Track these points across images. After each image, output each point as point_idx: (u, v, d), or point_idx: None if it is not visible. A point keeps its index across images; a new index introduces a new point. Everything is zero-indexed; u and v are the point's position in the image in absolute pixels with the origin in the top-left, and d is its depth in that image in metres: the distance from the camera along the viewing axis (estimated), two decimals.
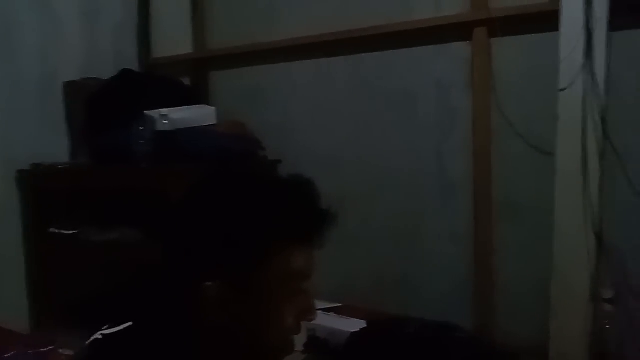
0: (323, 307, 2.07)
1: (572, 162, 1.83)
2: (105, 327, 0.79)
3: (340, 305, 2.14)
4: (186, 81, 2.62)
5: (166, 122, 1.97)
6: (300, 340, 1.86)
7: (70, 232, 2.12)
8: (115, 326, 0.79)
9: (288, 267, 0.80)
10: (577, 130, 1.81)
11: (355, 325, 1.95)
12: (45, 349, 1.47)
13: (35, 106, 2.36)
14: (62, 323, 1.74)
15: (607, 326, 1.71)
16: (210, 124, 2.17)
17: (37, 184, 2.27)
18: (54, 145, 2.39)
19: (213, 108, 2.24)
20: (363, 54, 2.27)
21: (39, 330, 2.06)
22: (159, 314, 0.80)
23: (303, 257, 0.82)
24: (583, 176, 1.81)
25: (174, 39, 2.69)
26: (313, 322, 1.96)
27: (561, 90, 1.83)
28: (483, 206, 2.06)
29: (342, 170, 2.28)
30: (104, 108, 2.27)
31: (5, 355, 1.45)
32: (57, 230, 2.15)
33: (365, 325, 1.95)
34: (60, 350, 1.45)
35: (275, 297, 0.80)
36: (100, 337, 0.78)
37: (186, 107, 2.19)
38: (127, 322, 0.79)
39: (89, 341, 0.79)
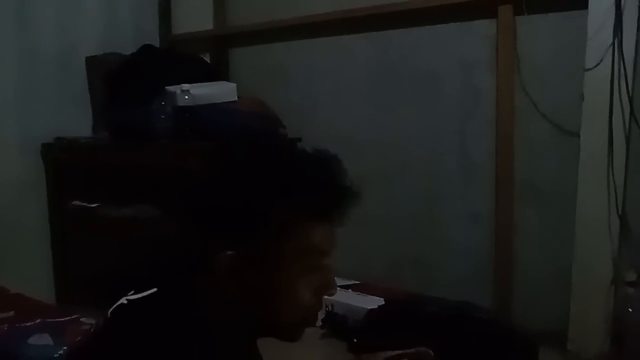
0: (341, 284, 2.08)
1: (597, 144, 1.80)
2: (130, 293, 0.80)
3: (358, 282, 2.15)
4: (206, 58, 2.61)
5: (187, 97, 1.97)
6: (319, 315, 1.88)
7: (93, 205, 2.14)
8: (140, 292, 0.79)
9: (307, 242, 0.80)
10: (604, 111, 1.78)
11: (373, 302, 1.96)
12: (68, 318, 1.50)
13: (55, 80, 2.36)
14: (84, 295, 1.77)
15: (629, 309, 1.69)
16: (231, 100, 2.16)
17: (60, 157, 2.29)
18: (75, 120, 2.40)
19: (234, 84, 2.23)
20: (386, 32, 2.24)
21: (63, 301, 2.10)
22: (176, 284, 0.80)
23: (323, 232, 0.81)
24: (608, 158, 1.78)
25: (194, 15, 2.68)
26: (331, 297, 1.98)
27: (587, 70, 1.79)
28: (505, 188, 2.04)
29: (363, 150, 2.27)
30: (125, 84, 2.27)
31: (30, 323, 1.48)
32: (79, 203, 2.17)
33: (384, 303, 1.96)
34: (82, 319, 1.48)
35: (292, 270, 0.79)
36: (125, 302, 0.79)
37: (207, 83, 2.19)
38: (150, 287, 0.79)
39: (114, 306, 0.79)
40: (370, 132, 2.29)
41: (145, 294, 0.78)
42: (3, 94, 2.22)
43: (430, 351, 0.85)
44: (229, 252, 0.77)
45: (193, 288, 0.79)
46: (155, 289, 0.78)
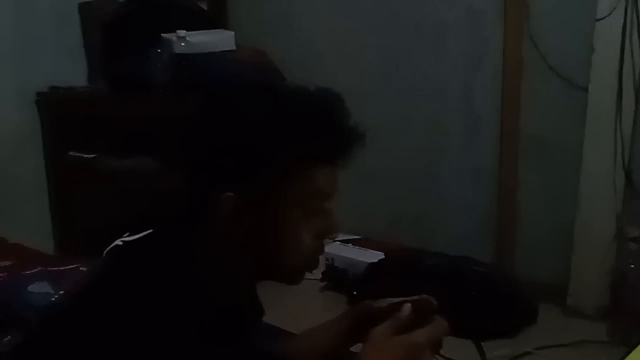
0: (342, 238, 2.08)
1: (605, 96, 1.76)
2: (125, 235, 0.78)
3: (359, 237, 2.15)
4: (204, 5, 2.53)
5: (184, 44, 1.92)
6: (318, 269, 1.88)
7: (90, 156, 2.12)
8: (136, 234, 0.78)
9: (310, 185, 0.77)
10: (614, 63, 1.73)
11: (373, 256, 1.97)
12: (68, 267, 1.49)
13: (50, 30, 2.29)
14: (84, 245, 1.76)
15: (632, 265, 1.69)
16: (229, 49, 2.11)
17: (56, 107, 2.26)
18: (71, 71, 2.35)
19: (232, 33, 2.17)
20: None
21: (62, 251, 2.10)
22: (174, 226, 0.78)
23: (327, 175, 0.79)
24: (616, 111, 1.75)
25: None
26: (332, 252, 1.98)
27: (599, 19, 1.73)
28: (509, 142, 2.01)
29: (365, 103, 2.22)
30: (121, 32, 2.21)
31: (30, 272, 1.48)
32: (76, 154, 2.15)
33: (384, 257, 1.96)
34: (82, 268, 1.47)
35: (294, 214, 0.77)
36: (120, 243, 0.78)
37: (204, 31, 2.13)
38: (147, 230, 0.78)
39: (109, 248, 0.78)
40: (373, 83, 2.24)
41: (140, 235, 0.77)
42: None
43: (433, 299, 0.84)
44: (231, 195, 0.75)
45: (192, 230, 0.77)
46: (150, 230, 0.77)
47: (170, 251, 0.74)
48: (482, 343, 0.97)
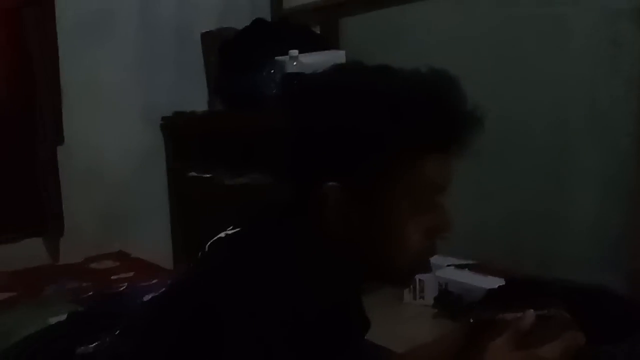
0: (457, 263, 1.97)
1: None
2: (229, 228, 0.78)
3: (476, 262, 2.01)
4: (317, 29, 2.58)
5: (295, 64, 1.96)
6: (431, 293, 1.78)
7: (209, 176, 2.22)
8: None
9: (420, 174, 0.72)
10: None
11: (491, 282, 1.83)
12: None
13: (173, 55, 2.47)
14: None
15: None
16: None
17: (178, 130, 2.40)
18: (192, 93, 2.50)
19: (343, 52, 2.19)
20: None
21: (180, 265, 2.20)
22: (280, 217, 0.76)
23: (439, 164, 0.73)
24: None
25: None
26: (446, 276, 1.87)
27: None
28: None
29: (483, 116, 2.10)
30: (237, 55, 2.32)
31: (148, 283, 1.56)
32: (196, 174, 2.26)
33: (503, 283, 1.82)
34: None
35: (403, 208, 0.72)
36: (223, 236, 0.77)
37: (316, 52, 2.16)
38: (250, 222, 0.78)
39: (212, 240, 0.78)
40: (488, 96, 2.10)
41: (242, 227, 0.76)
42: (127, 67, 2.36)
43: (565, 311, 0.73)
44: (335, 185, 0.71)
45: (295, 221, 0.74)
46: (253, 223, 0.75)
47: (271, 242, 0.72)
48: None
